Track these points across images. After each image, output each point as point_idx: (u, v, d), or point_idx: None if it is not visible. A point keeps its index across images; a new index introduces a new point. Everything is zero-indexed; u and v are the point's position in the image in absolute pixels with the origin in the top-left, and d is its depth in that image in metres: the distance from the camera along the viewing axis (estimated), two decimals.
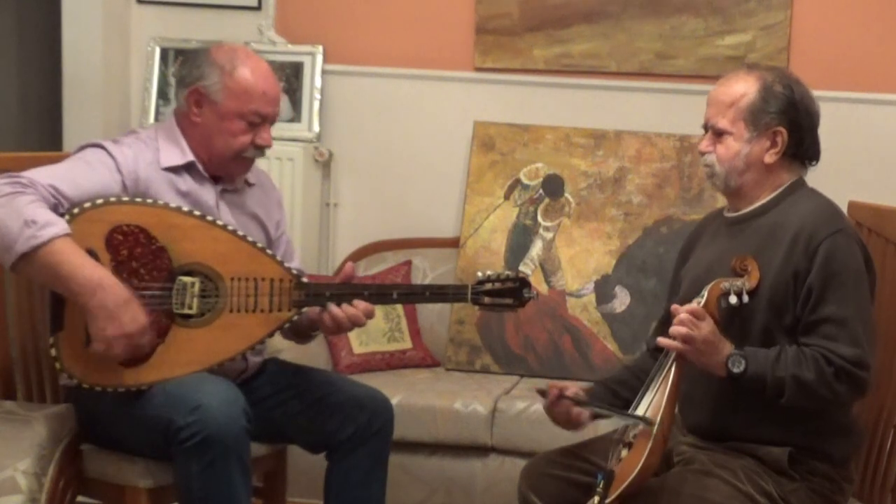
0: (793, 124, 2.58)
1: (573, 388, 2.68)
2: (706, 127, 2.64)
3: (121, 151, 2.73)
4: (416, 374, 3.91)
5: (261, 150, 2.83)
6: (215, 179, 2.84)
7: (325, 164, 4.31)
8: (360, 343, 3.93)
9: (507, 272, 2.81)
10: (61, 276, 2.51)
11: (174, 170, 2.77)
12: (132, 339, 2.56)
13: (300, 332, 2.93)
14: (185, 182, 2.79)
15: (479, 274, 2.80)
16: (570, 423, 2.71)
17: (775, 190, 2.61)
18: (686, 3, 4.12)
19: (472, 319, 4.02)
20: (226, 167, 2.83)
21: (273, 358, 3.05)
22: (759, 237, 2.56)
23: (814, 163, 2.67)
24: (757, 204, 2.62)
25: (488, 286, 2.78)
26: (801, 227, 2.51)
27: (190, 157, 2.79)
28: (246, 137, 2.79)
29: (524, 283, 2.80)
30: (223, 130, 2.78)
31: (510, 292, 2.79)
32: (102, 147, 2.73)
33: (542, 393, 2.69)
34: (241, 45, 2.91)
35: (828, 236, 2.48)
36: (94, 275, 2.52)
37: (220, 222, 2.74)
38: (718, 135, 2.60)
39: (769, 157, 2.59)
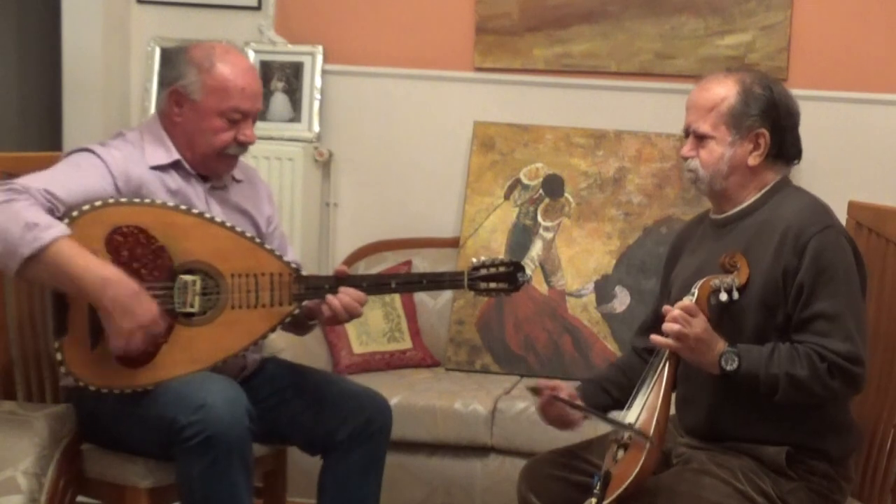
0: (774, 125, 2.57)
1: (565, 389, 2.68)
2: (687, 132, 2.63)
3: (110, 154, 2.73)
4: (416, 374, 3.91)
5: (244, 146, 2.82)
6: (203, 177, 2.84)
7: (325, 164, 4.31)
8: (360, 343, 3.93)
9: (502, 257, 2.84)
10: (69, 276, 2.51)
11: (161, 168, 2.78)
12: (148, 330, 2.56)
13: (299, 324, 2.93)
14: (174, 180, 2.79)
15: (474, 260, 2.83)
16: (563, 424, 2.71)
17: (760, 190, 2.61)
18: (686, 3, 4.11)
19: (472, 319, 4.02)
20: (210, 165, 2.82)
21: (272, 358, 3.05)
22: (747, 237, 2.56)
23: (796, 161, 2.66)
24: (743, 205, 2.61)
25: (483, 272, 2.81)
26: (788, 225, 2.50)
27: (175, 155, 2.79)
28: (227, 135, 2.78)
29: (518, 267, 2.82)
30: (204, 129, 2.77)
31: (505, 277, 2.81)
32: (91, 151, 2.73)
33: (535, 391, 2.69)
34: (220, 42, 2.88)
35: (816, 233, 2.47)
36: (101, 271, 2.53)
37: (217, 219, 2.74)
38: (700, 139, 2.59)
39: (753, 160, 2.58)
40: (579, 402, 2.67)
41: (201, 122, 2.77)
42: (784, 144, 2.60)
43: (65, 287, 2.58)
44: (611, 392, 2.75)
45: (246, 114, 2.79)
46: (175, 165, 2.79)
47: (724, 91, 2.58)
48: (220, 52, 2.79)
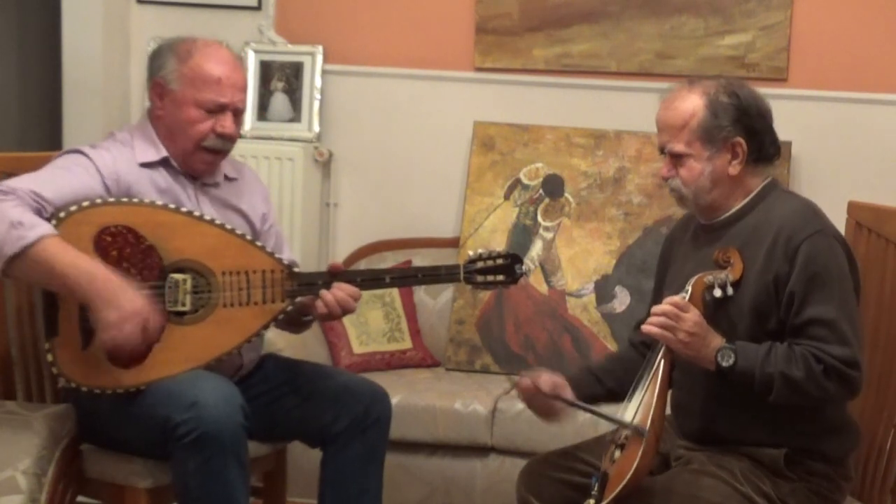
0: (748, 131, 2.54)
1: (546, 377, 2.65)
2: (662, 150, 2.60)
3: (99, 154, 2.73)
4: (416, 374, 3.91)
5: (223, 139, 2.79)
6: (193, 175, 2.84)
7: (325, 164, 4.31)
8: (360, 343, 3.93)
9: (499, 250, 2.81)
10: (54, 273, 2.51)
11: (151, 166, 2.77)
12: (136, 321, 2.54)
13: (294, 322, 2.92)
14: (164, 178, 2.79)
15: (471, 253, 2.81)
16: (549, 416, 2.70)
17: (746, 196, 2.58)
18: (686, 3, 4.11)
19: (472, 319, 4.02)
20: (190, 160, 2.79)
21: (269, 354, 3.05)
22: (739, 241, 2.54)
23: (777, 158, 2.62)
24: (730, 211, 2.59)
25: (480, 264, 2.79)
26: (779, 229, 2.48)
27: (164, 152, 2.79)
28: (204, 125, 2.76)
29: (516, 259, 2.80)
30: (181, 119, 2.76)
31: (502, 269, 2.80)
32: (81, 152, 2.73)
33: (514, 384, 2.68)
34: (206, 37, 2.88)
35: (806, 238, 2.45)
36: (87, 266, 2.52)
37: (207, 217, 2.73)
38: (677, 158, 2.56)
39: (733, 169, 2.55)
40: (566, 397, 2.64)
41: (178, 113, 2.76)
42: (762, 147, 2.57)
43: (51, 285, 2.57)
44: (604, 381, 2.73)
45: (224, 106, 2.77)
46: (164, 163, 2.79)
47: (690, 107, 2.55)
48: (201, 44, 2.79)
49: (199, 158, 2.80)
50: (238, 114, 2.82)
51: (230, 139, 2.80)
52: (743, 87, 2.59)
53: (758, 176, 2.59)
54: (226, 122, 2.77)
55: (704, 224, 2.64)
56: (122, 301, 2.53)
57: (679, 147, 2.55)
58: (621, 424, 2.46)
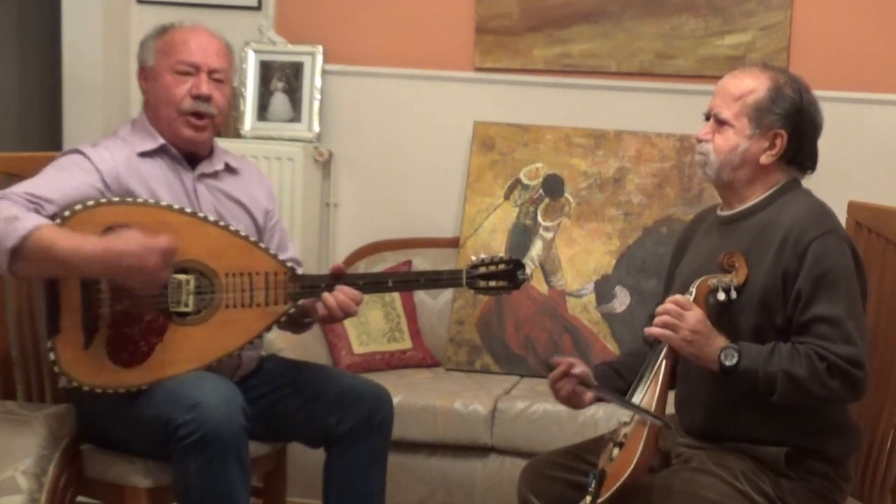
0: (795, 130, 2.57)
1: (580, 366, 2.67)
2: (708, 115, 2.63)
3: (97, 152, 2.74)
4: (416, 374, 3.91)
5: (201, 100, 2.79)
6: (192, 163, 2.84)
7: (325, 164, 4.31)
8: (360, 343, 3.93)
9: (501, 255, 2.83)
10: (57, 261, 2.49)
11: (149, 155, 2.79)
12: (154, 266, 2.51)
13: (296, 323, 2.92)
14: (162, 168, 2.80)
15: (473, 258, 2.81)
16: (572, 401, 2.68)
17: (768, 189, 2.60)
18: (686, 3, 4.12)
19: (472, 319, 4.02)
20: (175, 127, 2.80)
21: (271, 356, 3.05)
22: (750, 237, 2.56)
23: (810, 172, 2.66)
24: (749, 203, 2.61)
25: (482, 269, 2.79)
26: (790, 227, 2.50)
27: (161, 140, 2.81)
28: (180, 89, 2.78)
29: (518, 264, 2.81)
30: (160, 90, 2.80)
31: (505, 275, 2.80)
32: (80, 152, 2.75)
33: (550, 367, 2.67)
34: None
35: (817, 237, 2.47)
36: (86, 250, 2.49)
37: (211, 218, 2.74)
38: (720, 124, 2.59)
39: (765, 158, 2.58)
40: (591, 381, 2.65)
41: (157, 85, 2.81)
42: (800, 152, 2.60)
43: (57, 273, 2.57)
44: (624, 376, 2.73)
45: (196, 67, 2.80)
46: (162, 151, 2.80)
47: (755, 84, 2.58)
48: (177, 24, 2.87)
49: (183, 123, 2.80)
50: (217, 80, 2.83)
51: (208, 100, 2.80)
52: (809, 92, 2.63)
53: (785, 174, 2.62)
54: (201, 84, 2.79)
55: (721, 215, 2.66)
56: (136, 266, 2.49)
57: (726, 114, 2.58)
58: (651, 416, 2.43)
